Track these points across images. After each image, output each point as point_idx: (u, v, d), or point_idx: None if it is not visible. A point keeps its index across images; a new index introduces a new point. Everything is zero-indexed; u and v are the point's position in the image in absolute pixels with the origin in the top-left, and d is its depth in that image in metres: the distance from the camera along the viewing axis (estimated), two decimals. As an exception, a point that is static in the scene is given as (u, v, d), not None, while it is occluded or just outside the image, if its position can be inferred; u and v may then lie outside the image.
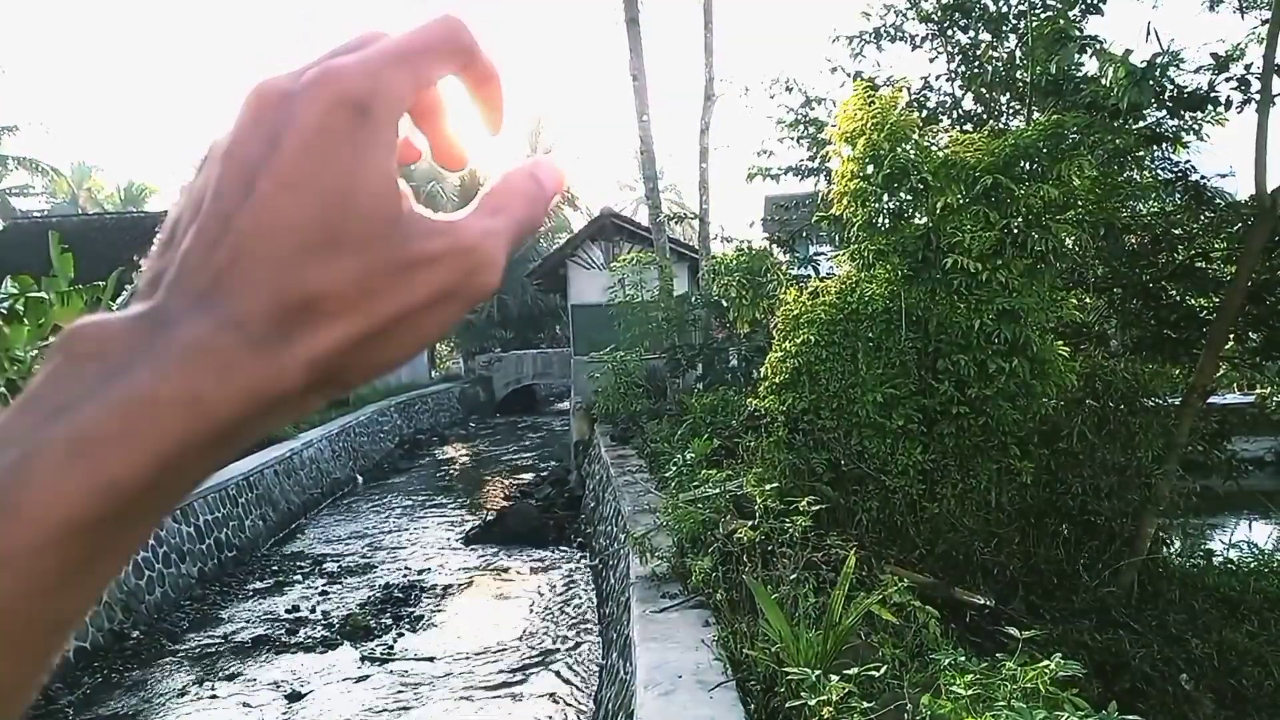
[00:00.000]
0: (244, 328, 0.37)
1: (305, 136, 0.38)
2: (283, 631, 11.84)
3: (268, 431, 0.41)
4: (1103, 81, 9.40)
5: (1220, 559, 10.22)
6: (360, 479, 22.52)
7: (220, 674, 10.58)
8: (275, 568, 14.99)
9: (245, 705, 9.72)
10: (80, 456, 0.34)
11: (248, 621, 12.36)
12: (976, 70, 11.31)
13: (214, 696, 9.99)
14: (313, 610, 12.62)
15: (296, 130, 0.39)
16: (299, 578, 14.36)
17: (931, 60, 11.88)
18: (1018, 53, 10.98)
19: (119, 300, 14.38)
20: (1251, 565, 10.02)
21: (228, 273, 0.38)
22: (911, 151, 8.85)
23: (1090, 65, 10.20)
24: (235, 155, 0.40)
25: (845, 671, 4.88)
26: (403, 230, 0.40)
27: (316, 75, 0.40)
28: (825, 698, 4.59)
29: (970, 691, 4.48)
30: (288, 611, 12.65)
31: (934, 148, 9.10)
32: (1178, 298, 10.60)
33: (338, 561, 15.25)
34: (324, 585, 13.85)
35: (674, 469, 10.08)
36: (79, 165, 47.23)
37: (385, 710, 9.48)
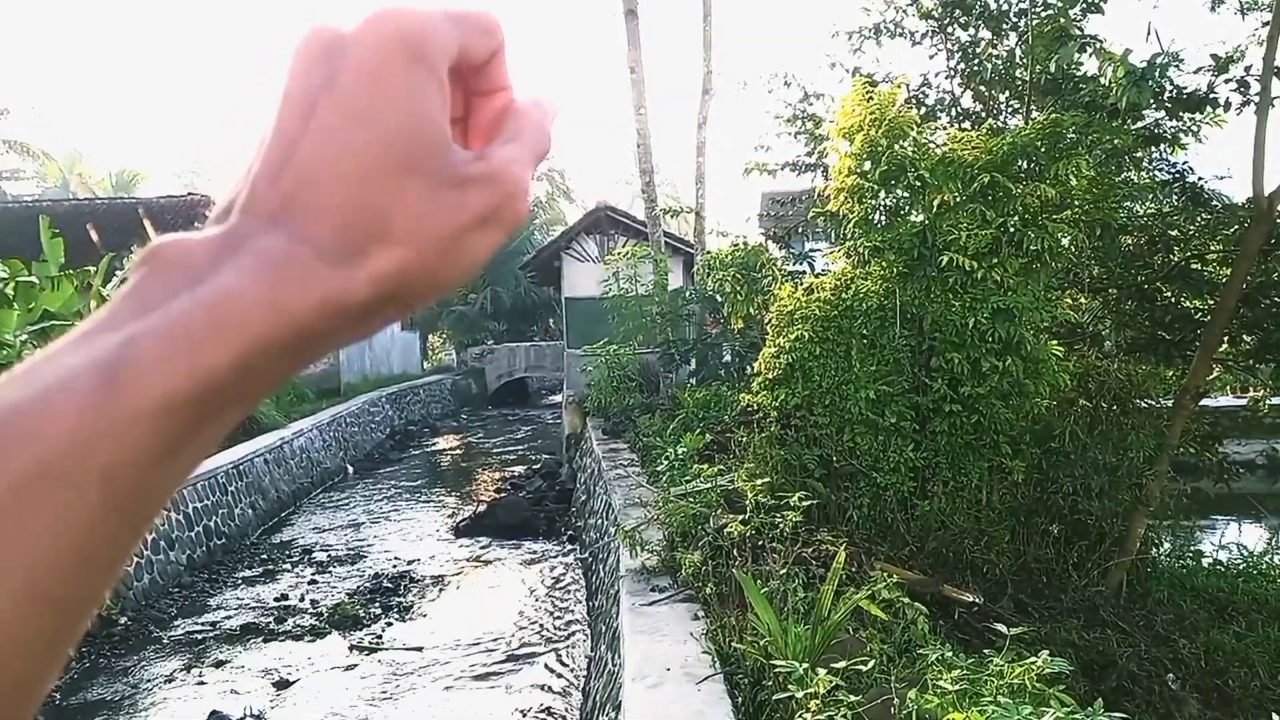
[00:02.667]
0: (315, 243, 0.41)
1: (363, 67, 0.42)
2: (271, 620, 11.79)
3: (335, 347, 0.45)
4: (1102, 81, 9.38)
5: (1209, 561, 10.26)
6: (351, 469, 22.47)
7: (208, 661, 10.55)
8: (264, 556, 14.95)
9: (233, 692, 9.69)
10: (175, 342, 0.38)
11: (236, 609, 12.32)
12: (976, 68, 11.27)
13: (201, 684, 9.96)
14: (301, 599, 12.58)
15: (354, 62, 0.42)
16: (288, 566, 14.32)
17: (931, 57, 11.85)
18: (1017, 51, 10.95)
19: (109, 285, 14.33)
20: (1240, 567, 10.06)
21: (295, 197, 0.41)
22: (909, 148, 8.83)
23: (1090, 64, 10.19)
24: (293, 94, 0.43)
25: (833, 665, 4.87)
26: (452, 157, 0.43)
27: (372, 15, 0.43)
28: (812, 690, 4.58)
29: (957, 687, 4.50)
30: (276, 600, 12.61)
31: (932, 145, 9.08)
32: (1173, 299, 10.61)
33: (327, 551, 15.21)
34: (313, 574, 13.81)
35: (666, 463, 10.05)
36: (70, 150, 47.08)
37: (373, 699, 9.46)
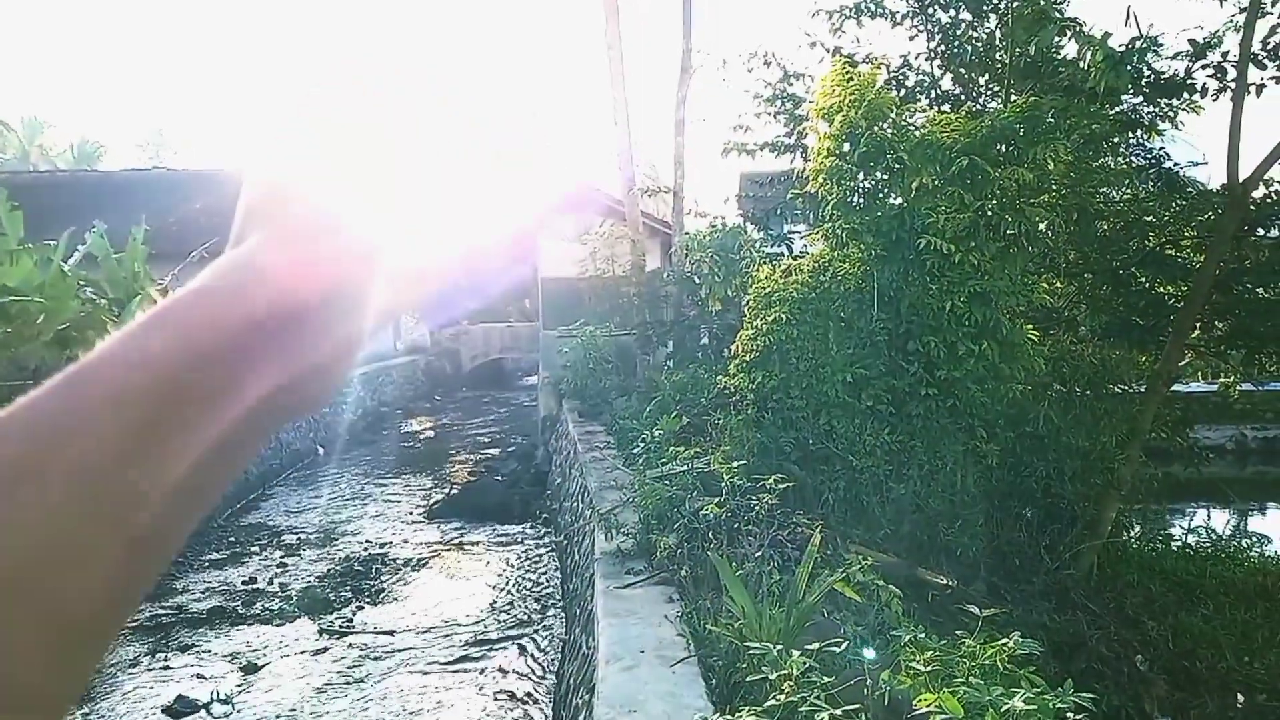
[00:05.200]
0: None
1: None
2: (239, 604, 11.65)
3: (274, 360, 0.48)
4: (1081, 65, 9.38)
5: (1178, 544, 10.36)
6: (321, 451, 22.23)
7: (174, 645, 10.40)
8: (232, 539, 14.75)
9: (200, 677, 9.56)
10: (125, 336, 0.43)
11: (203, 593, 12.15)
12: (956, 50, 11.25)
13: (167, 668, 9.81)
14: (270, 582, 12.45)
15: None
16: (256, 549, 14.15)
17: (911, 39, 11.79)
18: (997, 33, 10.93)
19: (71, 260, 14.04)
20: (1209, 551, 10.18)
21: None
22: (889, 130, 8.79)
23: (1069, 48, 10.18)
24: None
25: (807, 647, 4.86)
26: None
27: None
28: (786, 672, 4.57)
29: (930, 668, 4.50)
30: (244, 583, 12.46)
31: (911, 127, 9.04)
32: (1147, 285, 10.65)
33: (297, 534, 15.06)
34: (282, 557, 13.66)
35: (642, 446, 10.02)
36: (30, 120, 46.20)
37: (344, 683, 9.36)
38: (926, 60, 11.80)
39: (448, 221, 0.56)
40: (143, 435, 0.41)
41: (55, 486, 0.39)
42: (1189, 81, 9.36)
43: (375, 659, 9.92)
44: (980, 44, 11.21)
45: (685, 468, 8.69)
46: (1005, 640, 4.67)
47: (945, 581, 7.67)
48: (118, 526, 0.40)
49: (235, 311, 0.45)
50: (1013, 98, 9.78)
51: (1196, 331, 10.15)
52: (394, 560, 13.47)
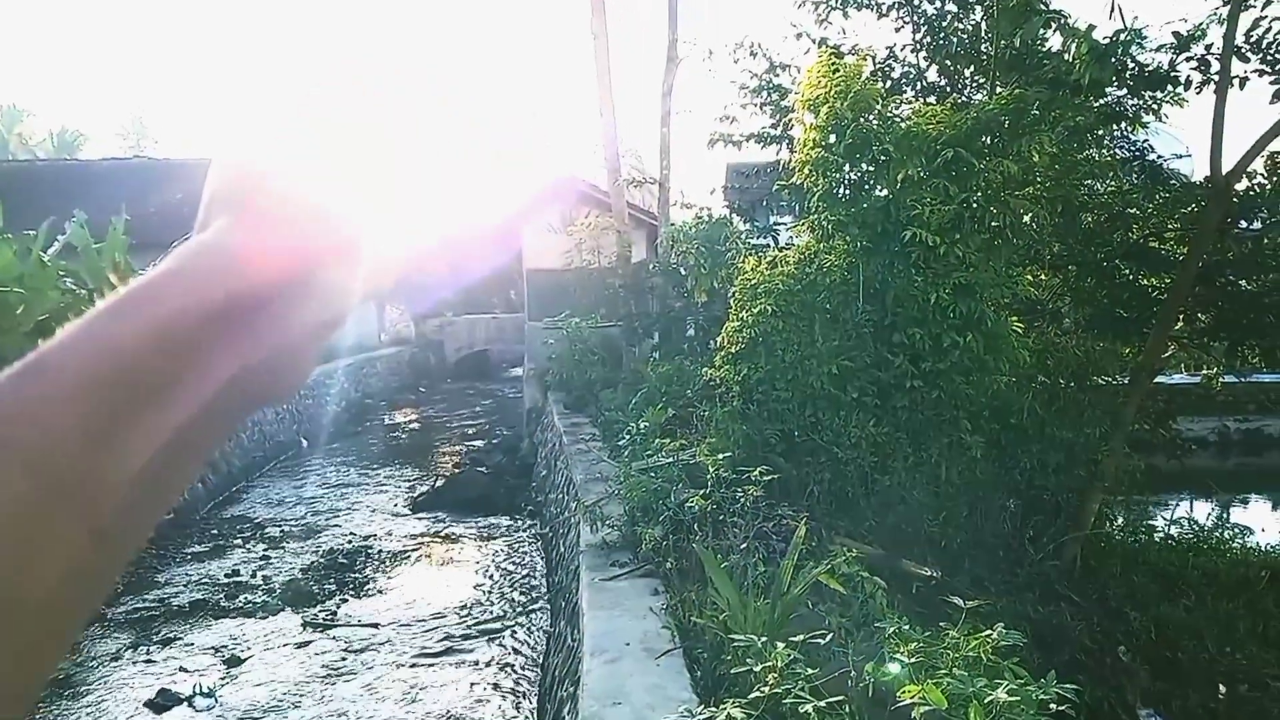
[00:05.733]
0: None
1: None
2: (222, 596, 11.61)
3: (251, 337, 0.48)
4: (1066, 57, 9.38)
5: (1161, 536, 10.41)
6: (305, 442, 22.12)
7: (156, 638, 10.35)
8: (215, 531, 14.68)
9: (183, 670, 9.52)
10: (87, 323, 0.43)
11: (185, 586, 12.10)
12: (941, 42, 11.24)
13: (149, 661, 9.77)
14: (253, 575, 12.40)
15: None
16: (239, 542, 14.09)
17: (897, 30, 11.76)
18: (983, 25, 10.93)
19: (51, 250, 13.93)
20: (1191, 542, 10.23)
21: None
22: (874, 122, 8.79)
23: (1054, 41, 10.18)
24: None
25: (791, 639, 4.86)
26: None
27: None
28: (770, 664, 4.56)
29: (914, 659, 4.49)
30: (227, 576, 12.41)
31: (897, 119, 9.03)
32: (1130, 277, 10.67)
33: (280, 526, 14.99)
34: (265, 550, 13.60)
35: (627, 438, 10.00)
36: (9, 109, 45.81)
37: (327, 676, 9.33)
38: (912, 52, 11.79)
39: (432, 211, 0.56)
40: (105, 422, 0.40)
41: (16, 474, 0.38)
42: (1173, 74, 9.36)
43: (359, 652, 9.90)
44: (966, 36, 11.21)
45: (671, 460, 8.68)
46: (989, 632, 4.67)
47: (929, 573, 7.69)
48: (80, 515, 0.40)
49: (200, 295, 0.45)
50: (998, 90, 9.79)
51: (1180, 324, 10.18)
52: (378, 553, 13.42)
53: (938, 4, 11.40)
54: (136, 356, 0.41)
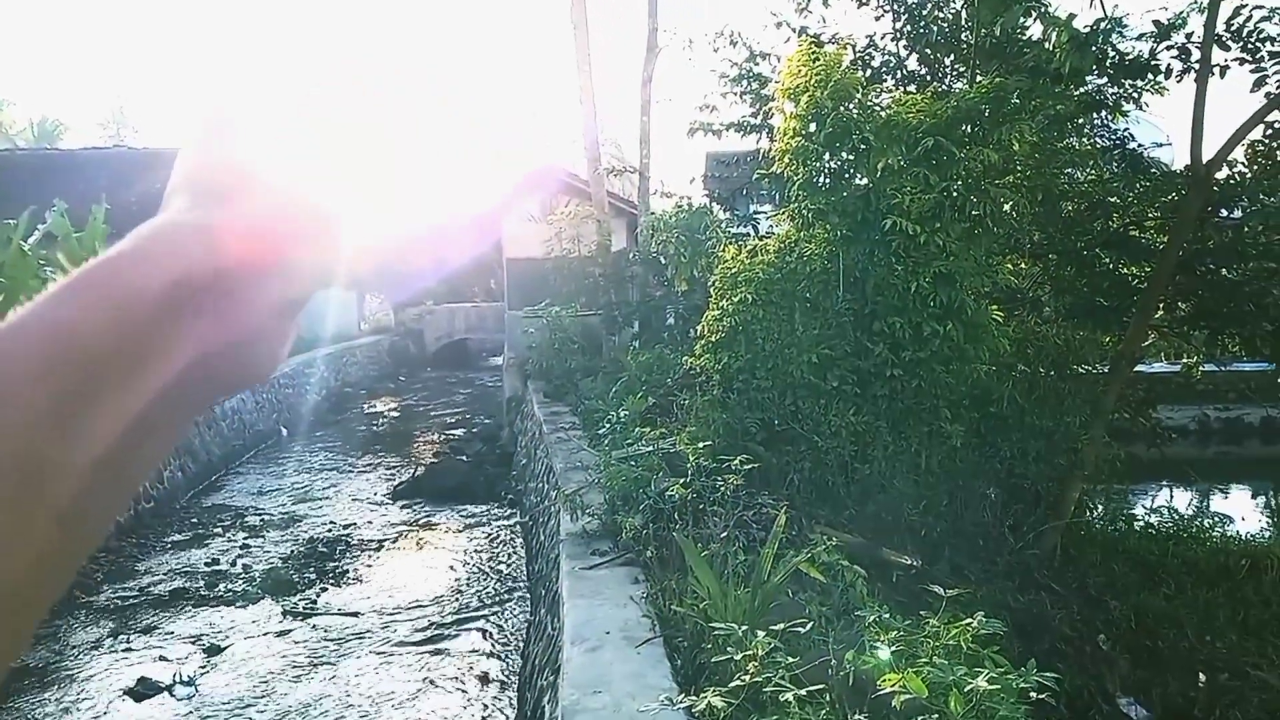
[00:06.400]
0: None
1: None
2: (202, 585, 11.53)
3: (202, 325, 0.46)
4: (1046, 46, 9.38)
5: (1141, 524, 10.46)
6: (285, 431, 22.01)
7: (137, 627, 10.28)
8: (195, 520, 14.58)
9: (163, 659, 9.46)
10: (39, 303, 0.42)
11: (166, 574, 12.02)
12: (921, 30, 11.22)
13: (129, 649, 9.70)
14: (233, 564, 12.32)
15: None
16: (219, 531, 14.00)
17: (877, 19, 11.73)
18: (963, 14, 10.92)
19: (31, 240, 13.79)
20: (1171, 531, 10.28)
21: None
22: (854, 110, 8.76)
23: (1035, 29, 10.18)
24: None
25: (771, 627, 4.85)
26: None
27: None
28: (751, 652, 4.56)
29: (894, 648, 4.49)
30: (207, 565, 12.33)
31: (877, 107, 9.02)
32: (1111, 265, 10.71)
33: (260, 515, 14.90)
34: (245, 539, 13.52)
35: (607, 426, 9.98)
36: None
37: (307, 664, 9.29)
38: (892, 40, 11.76)
39: (421, 203, 0.55)
40: (63, 405, 0.40)
41: None
42: (1153, 63, 9.37)
43: (339, 640, 9.86)
44: (946, 24, 11.19)
45: (651, 448, 8.65)
46: (969, 620, 4.69)
47: (909, 562, 7.69)
48: (40, 500, 0.39)
49: (159, 273, 0.44)
50: (978, 78, 9.77)
51: (1160, 312, 10.23)
52: (358, 541, 13.37)
53: (918, -8, 11.39)
54: (94, 337, 0.40)
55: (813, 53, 8.93)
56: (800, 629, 5.01)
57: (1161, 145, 11.29)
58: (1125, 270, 10.69)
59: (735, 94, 13.18)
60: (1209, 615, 8.29)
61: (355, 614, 10.57)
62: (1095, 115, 10.52)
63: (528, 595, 10.78)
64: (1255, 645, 7.83)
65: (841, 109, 8.67)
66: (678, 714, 4.57)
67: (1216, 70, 8.88)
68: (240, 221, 0.47)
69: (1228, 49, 8.98)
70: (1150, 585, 8.72)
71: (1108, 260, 10.68)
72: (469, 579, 11.80)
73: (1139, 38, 9.41)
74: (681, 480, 7.37)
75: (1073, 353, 9.69)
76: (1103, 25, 8.88)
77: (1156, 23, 9.20)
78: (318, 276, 0.50)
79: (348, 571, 12.06)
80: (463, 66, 0.62)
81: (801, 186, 8.96)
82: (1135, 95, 10.05)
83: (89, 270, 0.43)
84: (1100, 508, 10.48)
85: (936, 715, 4.01)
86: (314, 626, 10.24)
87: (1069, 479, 9.30)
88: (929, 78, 11.66)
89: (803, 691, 4.24)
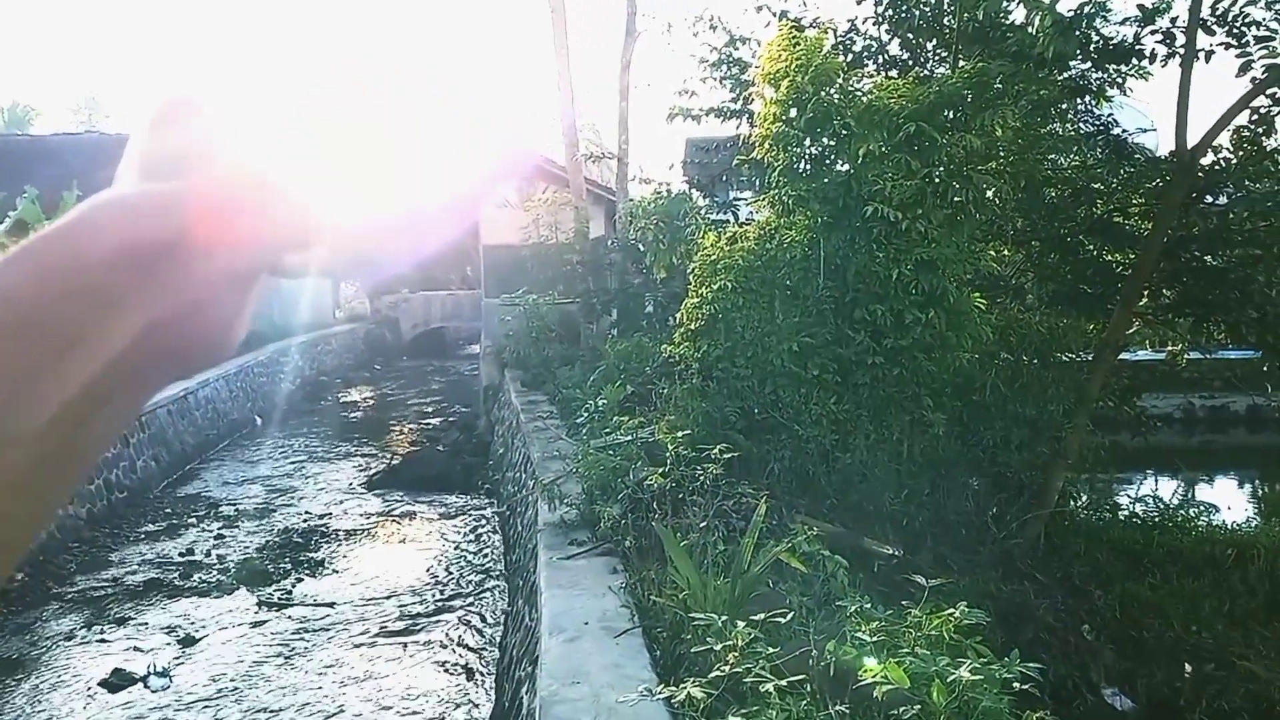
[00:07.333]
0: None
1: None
2: (176, 575, 11.46)
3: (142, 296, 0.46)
4: (1029, 30, 9.31)
5: (1125, 513, 10.45)
6: (259, 421, 21.85)
7: (110, 618, 10.21)
8: (169, 510, 14.49)
9: (136, 649, 9.41)
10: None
11: (139, 565, 11.92)
12: (903, 14, 11.12)
13: (103, 640, 9.65)
14: (208, 554, 12.23)
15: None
16: (194, 521, 13.90)
17: (859, 3, 11.62)
18: (945, -2, 10.83)
19: (1, 227, 13.61)
20: (1156, 520, 10.27)
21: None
22: (835, 95, 8.67)
23: (1017, 13, 10.11)
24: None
25: (752, 617, 4.79)
26: None
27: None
28: (731, 643, 4.51)
29: (876, 638, 4.47)
30: (181, 555, 12.24)
31: (858, 93, 8.93)
32: (1095, 252, 10.67)
33: (234, 505, 14.78)
34: (220, 529, 13.42)
35: (586, 415, 9.96)
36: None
37: (283, 655, 9.24)
38: (874, 25, 11.65)
39: (386, 184, 0.53)
40: (4, 373, 0.40)
41: None
42: (1138, 47, 9.33)
43: (315, 631, 9.83)
44: (928, 9, 11.10)
45: (630, 437, 8.61)
46: (952, 610, 4.69)
47: (891, 551, 7.65)
48: None
49: (104, 241, 0.44)
50: (960, 64, 9.70)
51: (1144, 299, 10.19)
52: (334, 531, 13.29)
53: (901, -24, 11.27)
54: (30, 304, 0.41)
55: (793, 37, 8.84)
56: (781, 619, 5.00)
57: (1146, 131, 11.23)
58: (1109, 257, 10.65)
59: (715, 79, 13.10)
60: (1194, 605, 8.27)
61: (331, 604, 10.50)
62: (1079, 100, 10.46)
63: (505, 585, 10.70)
64: (1241, 635, 7.81)
65: (822, 94, 8.59)
66: (657, 705, 4.52)
67: (1201, 55, 8.84)
68: (186, 192, 0.47)
69: (1213, 33, 8.93)
70: (1135, 575, 8.70)
71: (1091, 247, 10.64)
72: (446, 569, 11.72)
73: (1123, 22, 9.38)
74: (660, 470, 7.31)
75: (1056, 340, 9.64)
76: (1086, 9, 8.83)
77: (1141, 7, 9.16)
78: (267, 250, 0.50)
79: (323, 562, 11.98)
80: (462, 67, 0.62)
81: (782, 173, 8.87)
82: (1119, 80, 10.00)
83: (31, 241, 0.44)
84: (1084, 497, 10.47)
85: (919, 706, 3.95)
86: (289, 617, 10.20)
87: (1053, 468, 9.26)
88: (911, 62, 11.57)
89: (783, 682, 4.21)
